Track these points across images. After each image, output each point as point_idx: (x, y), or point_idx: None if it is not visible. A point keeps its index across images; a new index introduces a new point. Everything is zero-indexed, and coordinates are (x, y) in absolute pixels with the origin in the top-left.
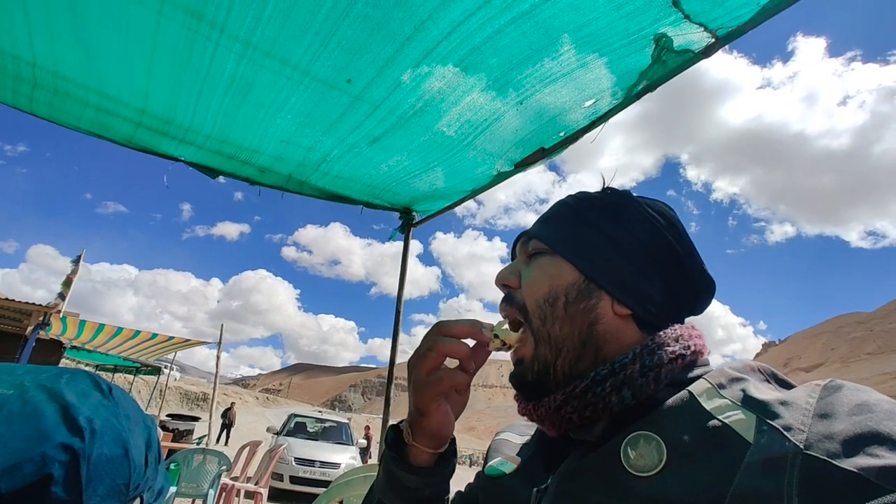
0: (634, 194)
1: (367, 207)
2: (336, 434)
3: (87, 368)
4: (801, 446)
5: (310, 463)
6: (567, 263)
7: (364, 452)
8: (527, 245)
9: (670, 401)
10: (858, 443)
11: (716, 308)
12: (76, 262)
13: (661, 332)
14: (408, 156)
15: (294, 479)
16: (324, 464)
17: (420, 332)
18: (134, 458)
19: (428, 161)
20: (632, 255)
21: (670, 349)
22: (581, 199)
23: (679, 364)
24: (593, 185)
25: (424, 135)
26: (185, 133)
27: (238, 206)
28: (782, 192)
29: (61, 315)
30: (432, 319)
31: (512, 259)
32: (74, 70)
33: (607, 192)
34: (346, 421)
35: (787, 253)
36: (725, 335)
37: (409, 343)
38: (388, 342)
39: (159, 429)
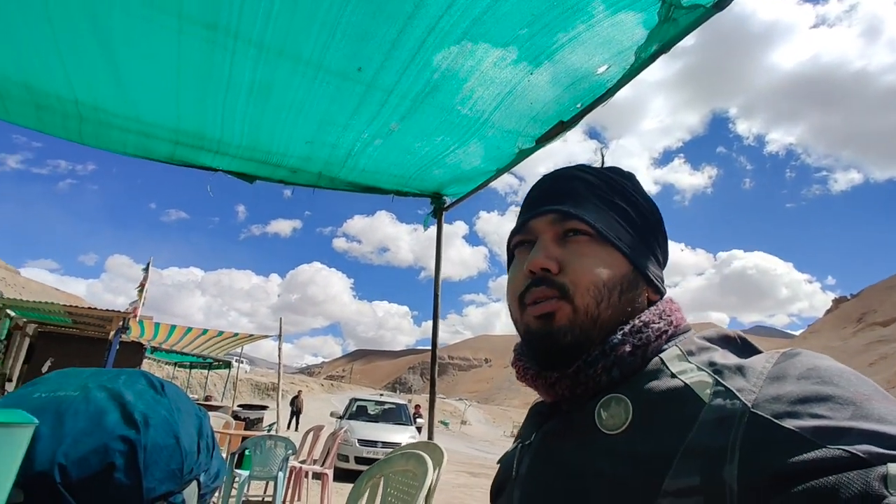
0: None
1: (398, 196)
2: (395, 415)
3: (166, 366)
4: (749, 405)
5: (372, 444)
6: (618, 253)
7: (420, 431)
8: (560, 224)
9: (645, 368)
10: (801, 404)
11: (777, 266)
12: (146, 269)
13: (647, 311)
14: (427, 141)
15: (359, 460)
16: (385, 444)
17: (472, 313)
18: (185, 445)
19: (448, 144)
20: (653, 241)
21: (656, 326)
22: (601, 178)
23: (663, 339)
24: (637, 150)
25: (440, 116)
26: (219, 145)
27: (288, 203)
28: (845, 137)
29: (138, 319)
30: (483, 299)
31: (523, 233)
32: (111, 102)
33: (616, 172)
34: (405, 402)
35: (854, 201)
36: (790, 293)
37: (462, 323)
38: (442, 324)
39: (232, 418)
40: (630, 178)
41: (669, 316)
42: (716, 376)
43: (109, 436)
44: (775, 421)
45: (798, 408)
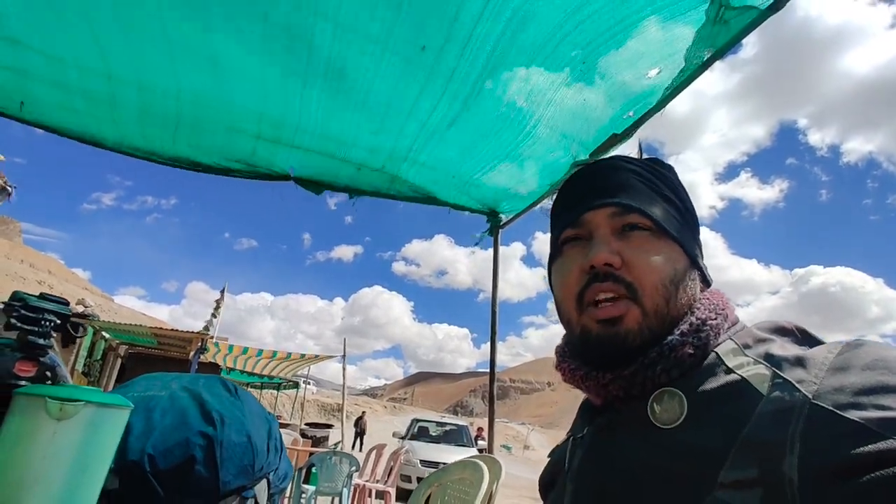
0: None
1: (455, 209)
2: (457, 436)
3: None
4: (810, 397)
5: (434, 465)
6: (676, 245)
7: (482, 453)
8: (619, 218)
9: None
10: (866, 395)
11: (865, 282)
12: (222, 292)
13: (700, 306)
14: (483, 138)
15: (421, 480)
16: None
17: (531, 335)
18: (256, 444)
19: (502, 140)
20: (697, 231)
21: (713, 323)
22: (648, 169)
23: (719, 335)
24: (699, 165)
25: (496, 109)
26: (294, 133)
27: (350, 229)
28: None
29: (214, 340)
30: (542, 321)
31: (576, 227)
32: (209, 90)
33: (659, 163)
34: (466, 424)
35: None
36: (883, 312)
37: (523, 345)
38: (502, 346)
39: (300, 436)
40: (671, 169)
41: (724, 310)
42: (774, 368)
43: (191, 431)
44: (838, 412)
45: (862, 399)
